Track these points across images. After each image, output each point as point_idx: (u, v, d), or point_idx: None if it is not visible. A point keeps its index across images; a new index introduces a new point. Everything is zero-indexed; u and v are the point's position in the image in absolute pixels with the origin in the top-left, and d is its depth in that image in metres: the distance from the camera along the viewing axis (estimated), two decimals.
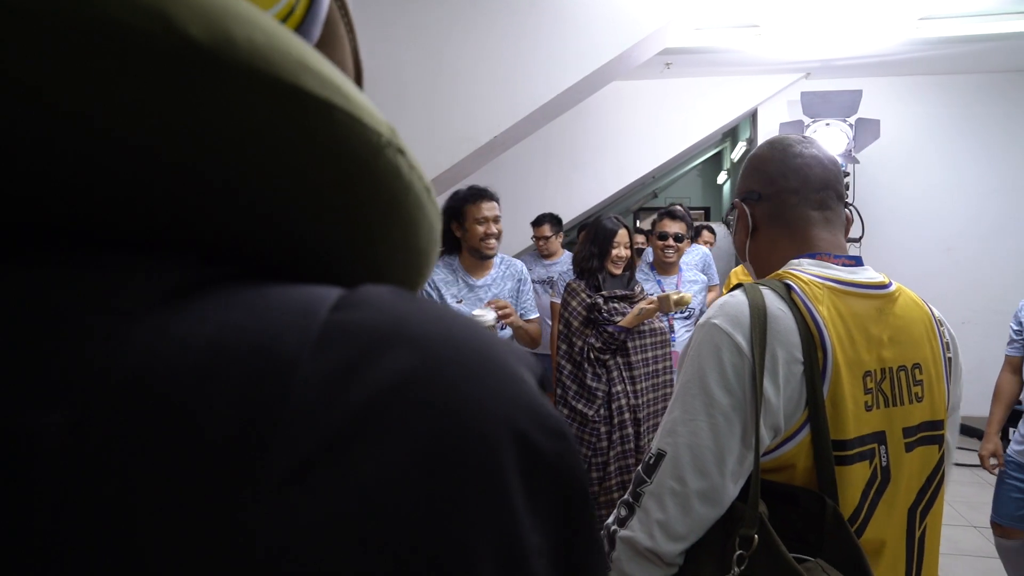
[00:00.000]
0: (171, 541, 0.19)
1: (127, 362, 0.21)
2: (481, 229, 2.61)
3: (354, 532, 0.21)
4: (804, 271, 1.05)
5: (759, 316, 0.96)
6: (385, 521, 0.21)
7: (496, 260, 2.79)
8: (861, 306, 1.03)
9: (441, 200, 2.82)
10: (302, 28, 0.35)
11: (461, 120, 3.39)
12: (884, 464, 1.00)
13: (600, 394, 2.71)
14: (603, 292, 2.79)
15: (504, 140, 3.58)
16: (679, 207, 3.57)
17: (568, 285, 2.89)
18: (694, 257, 4.16)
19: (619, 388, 2.72)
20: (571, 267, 4.20)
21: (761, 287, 1.01)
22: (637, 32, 3.33)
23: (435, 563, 0.22)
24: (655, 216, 3.60)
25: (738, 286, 1.04)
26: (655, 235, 3.49)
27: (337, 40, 0.40)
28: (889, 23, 4.63)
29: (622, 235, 2.82)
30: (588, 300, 2.77)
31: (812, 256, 1.08)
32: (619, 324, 2.71)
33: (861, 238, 3.23)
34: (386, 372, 0.23)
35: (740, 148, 7.52)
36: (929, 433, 1.07)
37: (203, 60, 0.24)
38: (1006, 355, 2.77)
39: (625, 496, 0.98)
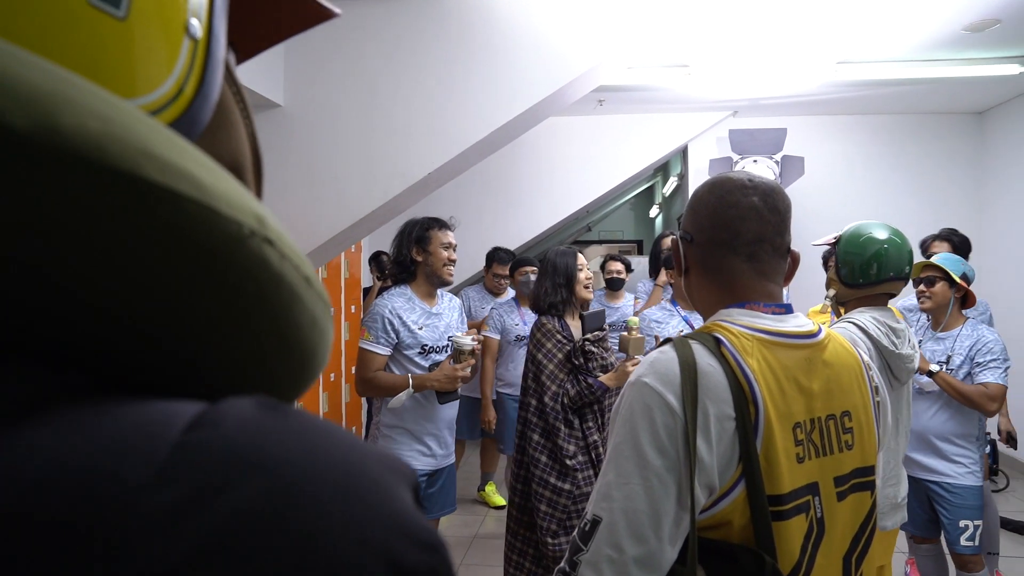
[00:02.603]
0: None
1: None
2: (445, 255, 2.71)
3: None
4: (734, 322, 1.03)
5: (689, 373, 0.94)
6: None
7: (439, 296, 2.84)
8: (790, 357, 1.02)
9: (384, 232, 2.81)
10: (191, 110, 0.34)
11: (396, 156, 3.33)
12: (819, 516, 0.99)
13: (573, 463, 2.52)
14: (586, 337, 2.62)
15: (439, 176, 3.54)
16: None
17: (541, 325, 2.68)
18: None
19: (595, 438, 2.57)
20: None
21: (691, 341, 0.99)
22: (571, 71, 3.35)
23: None
24: None
25: (714, 338, 1.01)
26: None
27: (231, 125, 0.39)
28: (810, 66, 4.81)
29: (582, 258, 2.74)
30: (568, 344, 2.60)
31: (742, 305, 1.06)
32: (600, 381, 2.55)
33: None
34: (236, 500, 0.21)
35: (671, 183, 7.68)
36: (860, 480, 1.07)
37: (20, 148, 0.22)
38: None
39: (562, 564, 0.94)
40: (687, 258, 1.14)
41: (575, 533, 0.94)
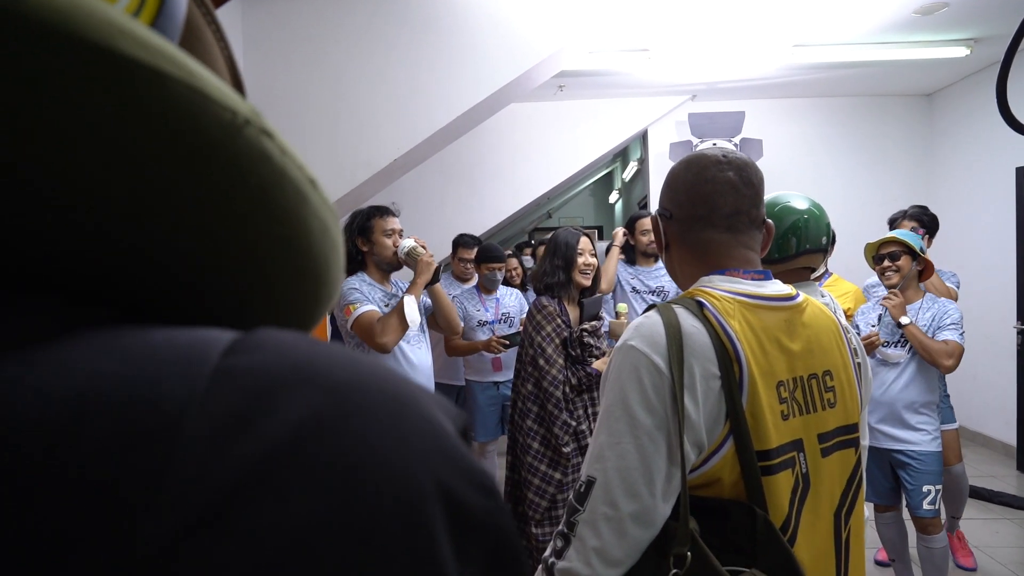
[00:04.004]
0: None
1: None
2: (389, 241, 2.71)
3: None
4: (715, 287, 1.06)
5: (674, 335, 0.97)
6: None
7: (393, 282, 2.85)
8: (771, 318, 1.05)
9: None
10: (155, 25, 0.30)
11: (360, 145, 3.30)
12: (804, 471, 1.02)
13: (569, 450, 2.46)
14: (584, 326, 2.55)
15: (403, 164, 3.51)
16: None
17: (542, 306, 2.56)
18: None
19: (584, 427, 2.51)
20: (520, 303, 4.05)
21: (674, 306, 1.02)
22: (534, 55, 3.34)
23: None
24: None
25: (696, 302, 1.04)
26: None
27: (203, 45, 0.34)
28: (767, 49, 4.88)
29: (585, 242, 2.62)
30: (567, 330, 2.52)
31: (722, 272, 1.09)
32: (595, 367, 2.50)
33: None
34: (284, 424, 0.20)
35: (631, 168, 7.73)
36: (844, 437, 1.10)
37: None
38: None
39: (560, 527, 0.96)
40: (667, 234, 1.18)
41: (570, 495, 0.96)
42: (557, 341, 2.50)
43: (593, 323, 2.57)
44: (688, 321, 0.99)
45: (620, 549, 0.91)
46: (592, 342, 2.55)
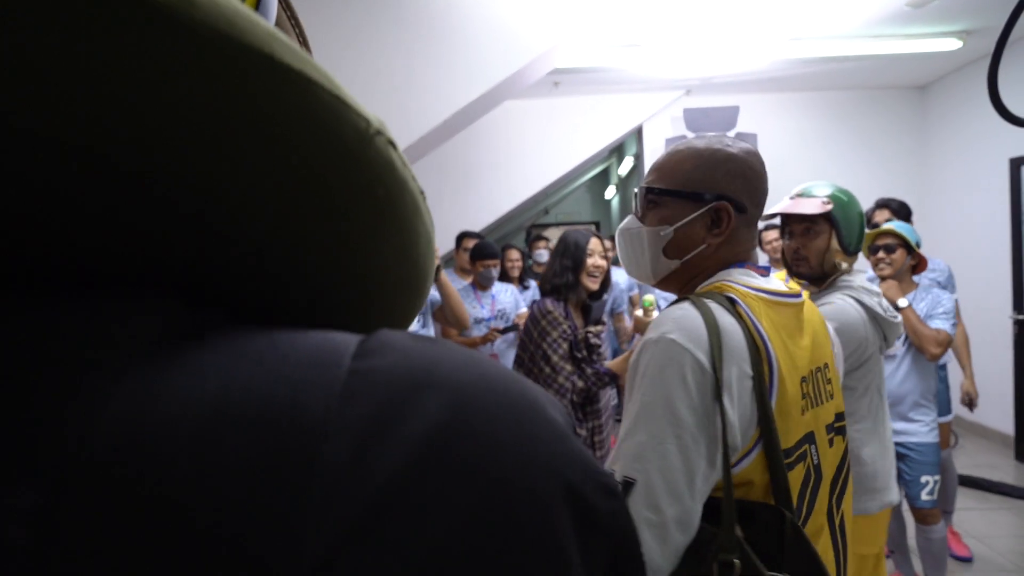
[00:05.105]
0: None
1: (109, 431, 0.17)
2: None
3: None
4: (736, 282, 1.03)
5: (715, 331, 0.93)
6: None
7: None
8: (786, 314, 1.04)
9: None
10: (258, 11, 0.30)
11: None
12: (816, 462, 1.02)
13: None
14: (589, 329, 2.43)
15: None
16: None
17: (546, 312, 2.42)
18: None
19: (583, 434, 2.39)
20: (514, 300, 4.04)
21: (707, 301, 0.98)
22: (528, 52, 3.34)
23: None
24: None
25: (728, 298, 0.99)
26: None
27: (286, 32, 0.34)
28: (763, 42, 4.88)
29: (595, 243, 2.47)
30: (571, 334, 2.39)
31: (741, 265, 1.07)
32: (606, 366, 2.35)
33: None
34: (420, 428, 0.20)
35: (627, 163, 7.73)
36: (839, 424, 1.11)
37: (159, 19, 0.18)
38: None
39: None
40: (729, 226, 1.07)
41: None
42: (564, 347, 2.38)
43: (597, 327, 2.48)
44: (724, 318, 0.95)
45: (663, 556, 0.87)
46: (597, 343, 2.45)
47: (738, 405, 0.91)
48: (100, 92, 0.18)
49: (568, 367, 2.36)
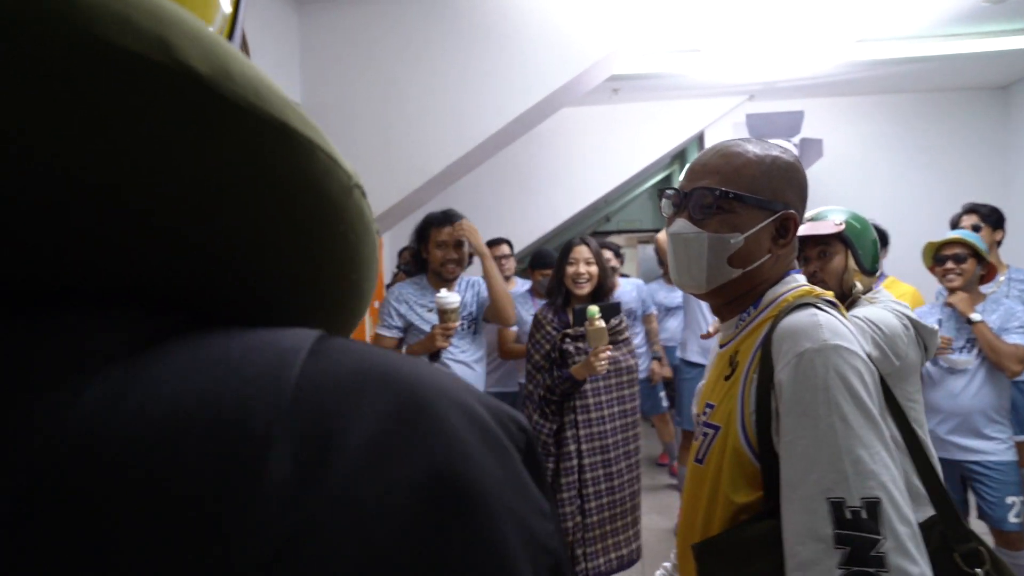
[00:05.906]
0: None
1: (77, 429, 0.19)
2: (440, 254, 2.69)
3: None
4: (805, 286, 1.07)
5: (853, 332, 0.96)
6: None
7: (458, 282, 2.82)
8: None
9: (405, 227, 2.80)
10: None
11: (413, 151, 3.36)
12: None
13: (545, 438, 2.49)
14: (568, 330, 2.52)
15: (456, 170, 3.55)
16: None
17: (536, 316, 2.65)
18: None
19: (569, 433, 2.47)
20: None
21: (821, 306, 0.98)
22: (584, 59, 3.35)
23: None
24: None
25: (829, 302, 1.02)
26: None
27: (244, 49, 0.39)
28: (828, 45, 4.76)
29: (579, 250, 2.56)
30: (552, 335, 2.55)
31: (798, 271, 1.10)
32: (569, 372, 2.46)
33: None
34: (363, 434, 0.21)
35: None
36: None
37: (203, 93, 0.22)
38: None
39: (846, 570, 0.81)
40: (791, 233, 1.07)
41: (838, 529, 0.83)
42: (546, 348, 2.54)
43: (579, 328, 2.49)
44: (845, 323, 0.96)
45: (928, 566, 0.82)
46: (571, 349, 2.49)
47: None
48: (145, 151, 0.21)
49: (546, 364, 2.53)
